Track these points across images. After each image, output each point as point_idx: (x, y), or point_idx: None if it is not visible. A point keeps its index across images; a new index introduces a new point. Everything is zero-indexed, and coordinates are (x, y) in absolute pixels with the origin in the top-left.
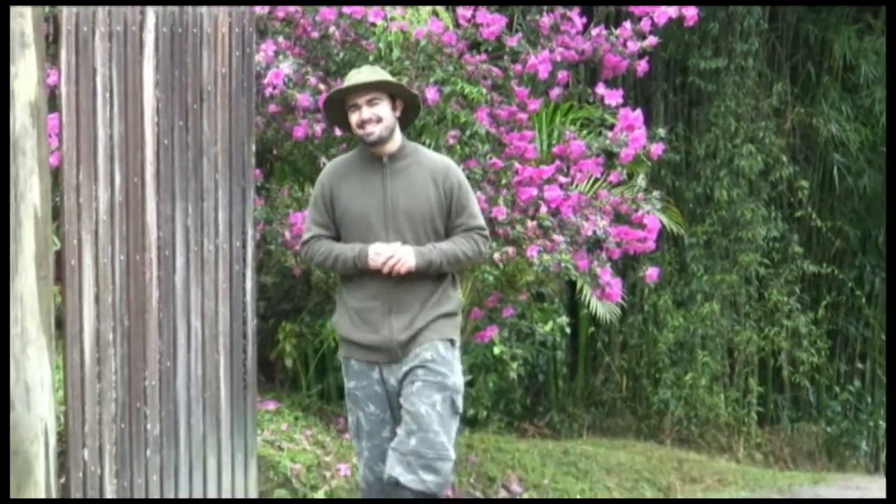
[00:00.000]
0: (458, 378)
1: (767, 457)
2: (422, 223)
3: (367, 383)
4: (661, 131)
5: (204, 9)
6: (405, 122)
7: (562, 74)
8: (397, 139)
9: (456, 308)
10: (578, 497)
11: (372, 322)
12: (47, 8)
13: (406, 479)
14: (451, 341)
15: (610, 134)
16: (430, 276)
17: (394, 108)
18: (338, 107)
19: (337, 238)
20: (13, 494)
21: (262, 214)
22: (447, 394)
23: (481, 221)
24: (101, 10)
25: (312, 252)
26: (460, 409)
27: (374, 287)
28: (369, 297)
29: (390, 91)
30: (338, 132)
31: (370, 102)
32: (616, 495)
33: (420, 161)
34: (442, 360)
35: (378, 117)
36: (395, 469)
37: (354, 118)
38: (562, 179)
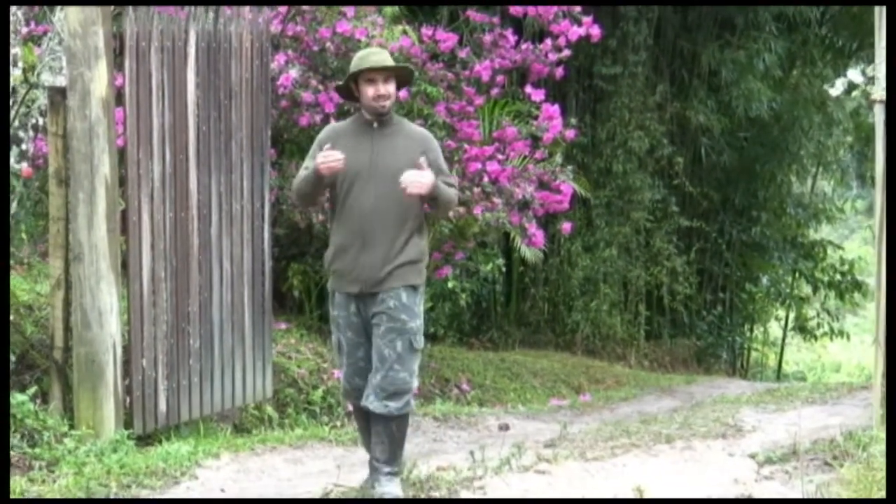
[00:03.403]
0: (417, 321)
1: (653, 363)
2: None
3: (346, 314)
4: (574, 121)
5: (232, 28)
6: None
7: (499, 78)
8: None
9: (419, 256)
10: (513, 393)
11: (349, 257)
12: (115, 27)
13: (374, 406)
14: (414, 287)
15: (535, 122)
16: (400, 219)
17: None
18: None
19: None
20: (89, 394)
21: (276, 182)
22: (406, 337)
23: (454, 180)
24: (156, 30)
25: (293, 185)
26: (419, 347)
27: (352, 226)
28: (348, 235)
29: (400, 73)
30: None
31: (387, 80)
32: (540, 393)
33: (404, 130)
34: (402, 308)
35: (390, 94)
36: (368, 399)
37: (371, 91)
38: (499, 157)
